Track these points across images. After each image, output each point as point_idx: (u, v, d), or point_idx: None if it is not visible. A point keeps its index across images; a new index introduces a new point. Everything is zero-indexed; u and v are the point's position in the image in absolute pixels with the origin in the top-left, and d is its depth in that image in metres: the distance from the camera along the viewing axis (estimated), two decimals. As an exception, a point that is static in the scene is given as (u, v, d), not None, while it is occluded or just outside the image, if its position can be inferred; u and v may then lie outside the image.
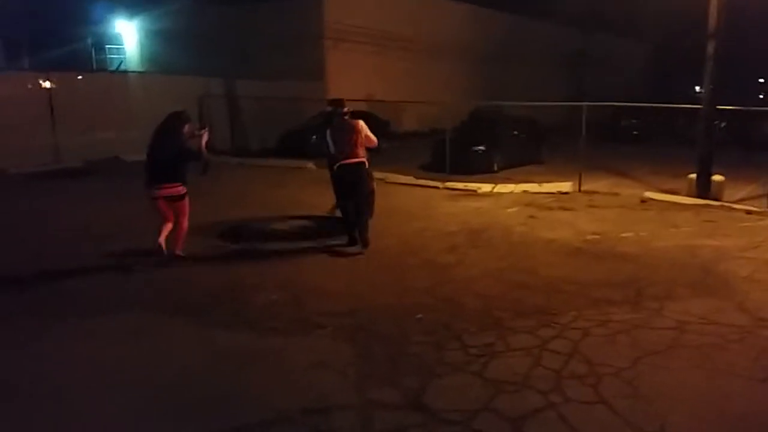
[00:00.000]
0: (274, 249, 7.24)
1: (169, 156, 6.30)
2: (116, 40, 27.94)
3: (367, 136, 7.08)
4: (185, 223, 6.58)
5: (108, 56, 27.78)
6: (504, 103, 17.40)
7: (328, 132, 7.20)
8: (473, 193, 11.30)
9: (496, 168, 13.81)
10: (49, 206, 9.71)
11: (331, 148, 7.17)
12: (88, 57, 29.03)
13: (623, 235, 7.96)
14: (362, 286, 5.86)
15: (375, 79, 23.26)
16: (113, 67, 25.16)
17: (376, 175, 8.70)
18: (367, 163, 7.13)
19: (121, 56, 27.24)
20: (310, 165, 14.21)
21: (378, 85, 22.91)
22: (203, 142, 6.51)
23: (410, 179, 12.43)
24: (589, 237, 7.86)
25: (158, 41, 25.29)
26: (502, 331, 4.70)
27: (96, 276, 6.15)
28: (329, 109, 7.73)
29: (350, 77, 22.01)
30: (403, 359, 4.24)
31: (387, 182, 11.84)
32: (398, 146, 17.90)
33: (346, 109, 7.37)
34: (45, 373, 4.08)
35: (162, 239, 6.37)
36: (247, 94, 18.20)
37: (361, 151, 7.03)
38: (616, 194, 10.99)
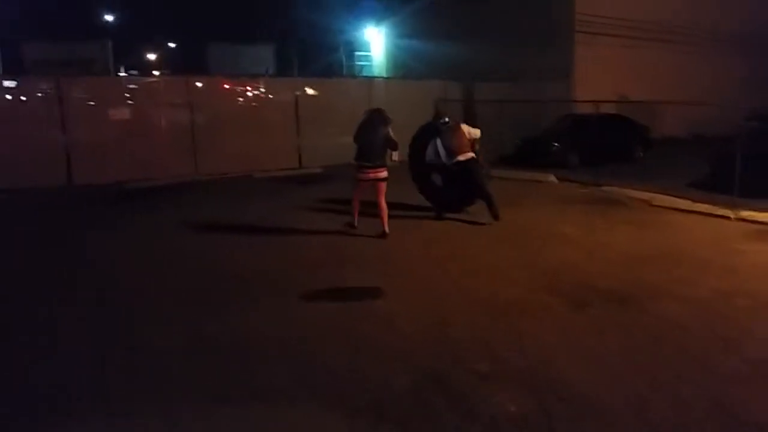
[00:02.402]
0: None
1: (378, 143, 7.39)
2: (365, 47, 29.11)
3: (469, 133, 8.67)
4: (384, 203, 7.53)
5: (357, 63, 29.04)
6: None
7: (438, 140, 8.49)
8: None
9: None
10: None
11: (442, 155, 8.44)
12: (339, 64, 30.85)
13: None
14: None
15: (627, 76, 20.21)
16: (358, 73, 26.00)
17: (638, 194, 10.07)
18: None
19: (369, 63, 28.23)
20: (552, 178, 12.35)
21: (630, 83, 19.85)
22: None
23: (685, 203, 9.43)
24: None
25: (402, 46, 25.51)
26: None
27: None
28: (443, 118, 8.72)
29: (599, 75, 19.39)
30: None
31: (652, 205, 9.54)
32: (657, 156, 15.15)
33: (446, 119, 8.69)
34: None
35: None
36: (484, 96, 16.95)
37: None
38: None
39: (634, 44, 20.57)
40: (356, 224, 7.76)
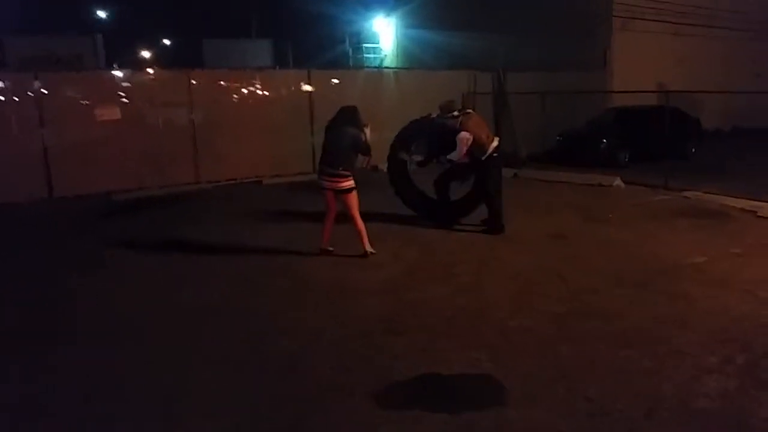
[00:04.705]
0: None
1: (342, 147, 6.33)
2: (373, 39, 27.27)
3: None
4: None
5: (365, 55, 27.20)
6: None
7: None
8: None
9: None
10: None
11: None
12: (345, 57, 29.01)
13: None
14: None
15: (669, 65, 18.45)
16: (371, 65, 24.17)
17: (733, 202, 8.52)
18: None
19: (378, 55, 26.43)
20: (618, 182, 10.55)
21: (672, 72, 18.11)
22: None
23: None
24: None
25: (416, 37, 23.64)
26: None
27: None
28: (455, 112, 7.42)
29: (639, 64, 17.64)
30: None
31: (759, 216, 7.82)
32: (710, 152, 13.67)
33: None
34: None
35: None
36: (515, 88, 15.19)
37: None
38: None
39: (675, 30, 18.81)
40: (328, 246, 6.56)
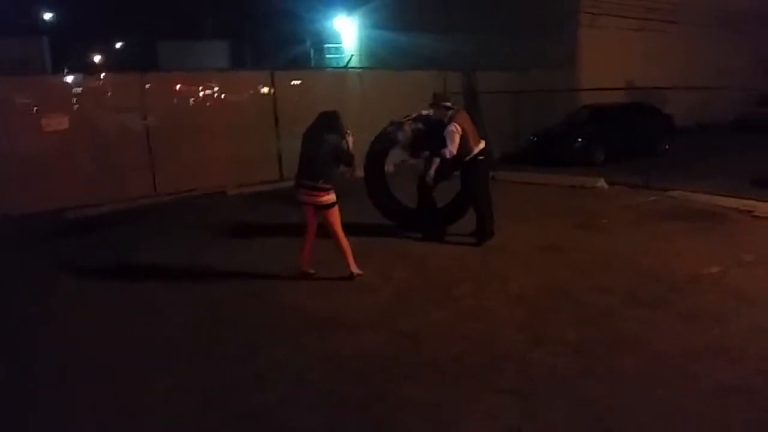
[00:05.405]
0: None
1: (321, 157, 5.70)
2: (335, 38, 26.56)
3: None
4: None
5: (327, 56, 26.48)
6: None
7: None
8: None
9: None
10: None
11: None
12: (307, 58, 28.23)
13: None
14: None
15: (635, 61, 18.36)
16: (336, 65, 23.47)
17: (724, 202, 8.27)
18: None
19: (341, 55, 25.75)
20: (601, 183, 10.18)
21: (638, 68, 18.00)
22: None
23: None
24: None
25: (380, 37, 23.02)
26: None
27: None
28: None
29: (606, 60, 17.45)
30: None
31: (756, 216, 7.53)
32: (683, 149, 13.47)
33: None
34: None
35: None
36: (484, 88, 14.79)
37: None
38: None
39: (639, 26, 18.73)
40: (309, 269, 5.93)
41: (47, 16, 34.47)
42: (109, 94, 11.03)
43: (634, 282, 5.38)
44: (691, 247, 6.45)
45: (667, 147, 14.44)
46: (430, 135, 6.84)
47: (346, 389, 3.67)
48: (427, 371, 3.87)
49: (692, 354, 3.94)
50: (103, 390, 3.82)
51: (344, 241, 5.72)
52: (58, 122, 10.39)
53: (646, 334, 4.28)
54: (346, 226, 5.73)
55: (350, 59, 18.94)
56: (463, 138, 6.60)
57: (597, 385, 3.59)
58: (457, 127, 6.54)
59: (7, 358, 4.40)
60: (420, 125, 7.00)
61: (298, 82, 13.42)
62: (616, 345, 4.12)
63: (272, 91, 12.36)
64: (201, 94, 12.39)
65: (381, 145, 7.55)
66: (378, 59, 22.25)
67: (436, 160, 6.87)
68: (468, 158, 6.74)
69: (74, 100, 10.78)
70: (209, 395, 3.68)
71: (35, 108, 10.21)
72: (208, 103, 12.39)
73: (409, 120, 7.08)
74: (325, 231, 5.72)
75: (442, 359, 4.02)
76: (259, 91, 12.68)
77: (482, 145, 6.86)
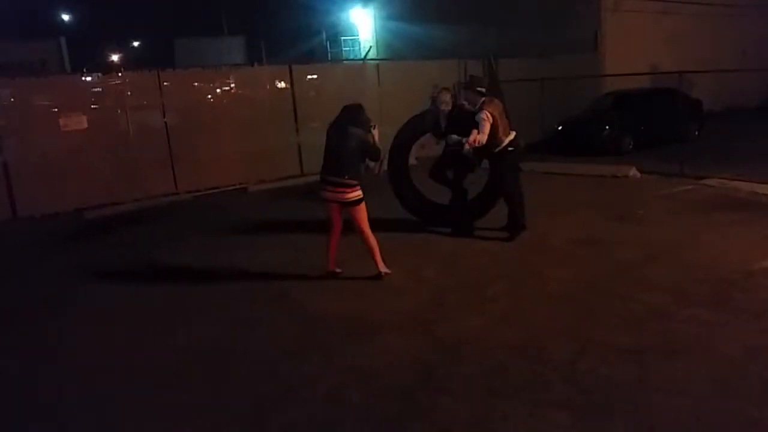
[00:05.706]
0: None
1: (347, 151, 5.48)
2: (350, 31, 26.24)
3: None
4: None
5: (343, 48, 26.19)
6: None
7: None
8: None
9: None
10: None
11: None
12: (323, 50, 27.99)
13: None
14: None
15: (659, 45, 17.79)
16: (352, 58, 23.17)
17: (735, 187, 8.21)
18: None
19: (356, 48, 25.45)
20: (633, 171, 9.77)
21: (662, 53, 17.47)
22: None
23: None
24: None
25: (397, 29, 22.64)
26: None
27: None
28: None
29: (631, 46, 16.95)
30: None
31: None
32: (711, 134, 13.10)
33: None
34: None
35: None
36: (505, 76, 14.39)
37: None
38: None
39: (663, 9, 18.12)
40: (336, 268, 5.73)
41: (65, 17, 34.70)
42: (127, 93, 10.88)
43: (683, 278, 5.04)
44: (739, 239, 6.08)
45: (696, 133, 13.95)
46: (459, 119, 6.56)
47: (383, 407, 3.40)
48: (470, 384, 3.59)
49: (763, 357, 3.61)
50: (121, 399, 3.61)
51: (372, 239, 5.48)
52: (77, 122, 10.27)
53: (706, 337, 3.95)
54: (369, 223, 5.47)
55: (369, 51, 18.58)
56: (493, 127, 6.30)
57: (659, 397, 3.28)
58: (488, 115, 6.22)
59: (27, 358, 4.24)
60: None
61: (316, 76, 13.17)
62: (673, 350, 3.80)
63: (290, 85, 12.14)
64: (219, 90, 12.20)
65: (405, 137, 7.29)
66: (394, 51, 21.91)
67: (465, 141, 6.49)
68: (497, 150, 6.44)
69: (93, 99, 10.67)
70: (229, 414, 3.44)
71: (54, 108, 10.12)
72: (226, 100, 12.21)
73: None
74: (347, 227, 5.48)
75: (483, 369, 3.74)
76: (277, 86, 12.47)
77: (512, 136, 6.56)
